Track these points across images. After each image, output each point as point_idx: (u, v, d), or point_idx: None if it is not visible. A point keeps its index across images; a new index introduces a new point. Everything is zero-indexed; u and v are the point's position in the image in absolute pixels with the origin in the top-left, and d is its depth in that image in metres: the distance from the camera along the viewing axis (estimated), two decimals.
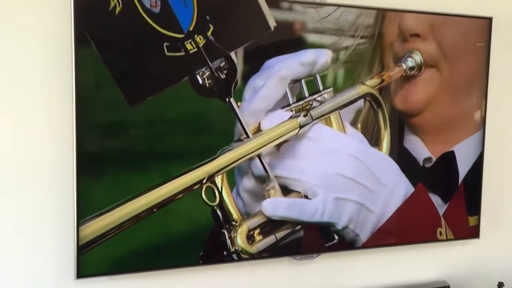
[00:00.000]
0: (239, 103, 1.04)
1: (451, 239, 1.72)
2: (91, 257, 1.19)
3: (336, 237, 1.15)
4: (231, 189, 1.08)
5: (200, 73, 0.99)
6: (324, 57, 1.10)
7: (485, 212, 1.84)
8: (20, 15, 1.25)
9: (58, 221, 1.36)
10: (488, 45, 1.58)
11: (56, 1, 1.22)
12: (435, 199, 1.32)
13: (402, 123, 1.28)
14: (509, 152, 1.95)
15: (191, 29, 0.99)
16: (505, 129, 1.95)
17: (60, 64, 1.25)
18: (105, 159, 1.09)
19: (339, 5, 1.21)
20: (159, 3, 0.96)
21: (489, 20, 1.58)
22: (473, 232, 1.67)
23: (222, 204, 1.05)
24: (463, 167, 1.36)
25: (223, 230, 1.05)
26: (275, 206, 1.08)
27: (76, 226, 1.17)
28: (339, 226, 1.14)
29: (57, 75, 1.27)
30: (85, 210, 1.15)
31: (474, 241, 1.86)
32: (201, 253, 1.12)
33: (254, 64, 1.02)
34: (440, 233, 1.37)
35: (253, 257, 1.24)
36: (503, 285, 1.88)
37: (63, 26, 1.21)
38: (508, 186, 1.95)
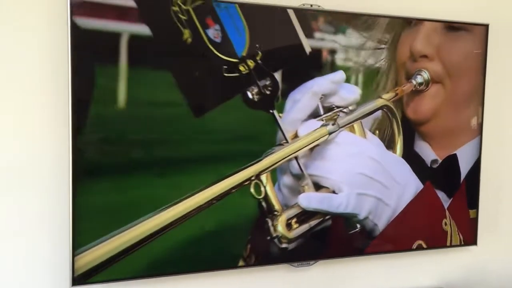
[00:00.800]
0: (280, 114, 1.20)
1: (449, 246, 1.77)
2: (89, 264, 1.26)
3: (358, 226, 1.30)
4: (274, 185, 1.23)
5: (250, 90, 1.17)
6: (340, 75, 1.26)
7: (482, 219, 1.87)
8: (19, 15, 1.29)
9: (53, 227, 1.41)
10: (484, 51, 1.68)
11: (55, 1, 1.28)
12: (441, 195, 1.44)
13: (412, 130, 1.40)
14: (506, 159, 2.03)
15: (244, 54, 1.17)
16: (502, 135, 2.02)
17: (57, 66, 1.29)
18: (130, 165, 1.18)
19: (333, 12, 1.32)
20: (220, 34, 1.14)
21: (486, 27, 1.68)
22: (472, 232, 1.74)
23: (266, 197, 1.20)
24: (464, 167, 1.48)
25: (267, 219, 1.20)
26: (309, 199, 1.24)
27: (72, 234, 1.24)
28: (361, 217, 1.29)
29: (55, 76, 1.31)
30: (81, 215, 1.24)
31: (471, 248, 1.91)
32: (248, 240, 1.26)
33: (292, 82, 1.19)
34: (445, 224, 1.47)
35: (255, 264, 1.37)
36: None
37: (61, 28, 1.26)
38: (505, 193, 2.01)
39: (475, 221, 1.75)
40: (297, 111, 1.21)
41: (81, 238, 1.24)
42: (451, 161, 1.46)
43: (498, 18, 1.88)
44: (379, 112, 1.33)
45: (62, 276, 1.40)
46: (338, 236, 1.34)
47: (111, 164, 1.21)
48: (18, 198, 1.37)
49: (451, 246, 1.76)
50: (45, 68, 1.35)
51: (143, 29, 1.07)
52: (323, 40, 1.28)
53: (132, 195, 1.20)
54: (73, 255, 1.24)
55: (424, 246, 1.54)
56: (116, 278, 1.32)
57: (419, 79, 1.35)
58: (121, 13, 1.15)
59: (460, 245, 1.79)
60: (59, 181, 1.37)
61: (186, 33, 1.07)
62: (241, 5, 1.12)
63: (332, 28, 1.34)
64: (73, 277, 1.24)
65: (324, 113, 1.22)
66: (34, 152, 1.38)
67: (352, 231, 1.31)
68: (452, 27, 1.48)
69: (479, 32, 1.63)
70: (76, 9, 1.19)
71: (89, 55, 1.14)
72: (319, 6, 1.46)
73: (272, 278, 1.60)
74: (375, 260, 1.77)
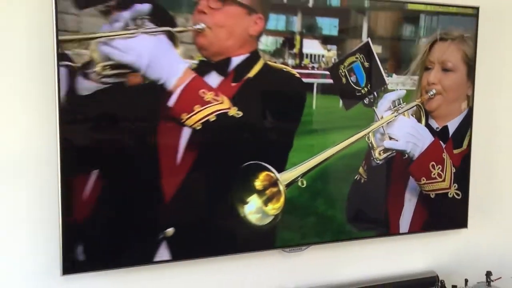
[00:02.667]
0: (375, 108, 2.10)
1: (440, 229, 2.19)
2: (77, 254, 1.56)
3: (406, 155, 2.15)
4: (374, 136, 2.09)
5: (366, 99, 2.07)
6: (404, 92, 2.15)
7: (472, 202, 2.19)
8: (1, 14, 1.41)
9: (44, 218, 1.51)
10: (475, 33, 2.19)
11: (40, 2, 1.43)
12: (441, 143, 2.28)
13: (427, 114, 2.21)
14: (497, 144, 2.37)
15: (363, 84, 2.06)
16: (494, 124, 2.36)
17: (42, 64, 1.46)
18: None
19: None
20: (354, 76, 2.02)
21: (476, 9, 2.16)
22: (462, 218, 2.27)
23: (371, 142, 2.09)
24: (452, 129, 2.27)
25: (371, 151, 2.09)
26: (387, 143, 2.12)
27: (62, 223, 1.51)
28: (407, 152, 2.16)
29: (40, 73, 1.47)
30: (70, 208, 1.53)
31: (462, 230, 2.15)
32: (364, 161, 2.07)
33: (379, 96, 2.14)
34: (444, 155, 2.24)
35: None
36: (491, 274, 2.05)
37: (46, 24, 1.40)
38: (495, 175, 2.32)
39: (465, 204, 2.27)
40: (383, 106, 2.12)
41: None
42: (445, 128, 2.30)
43: (488, 1, 2.13)
44: (415, 107, 2.22)
45: (53, 270, 1.51)
46: (398, 163, 2.19)
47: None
48: (7, 193, 1.49)
49: (442, 229, 2.18)
50: (31, 62, 1.45)
51: (327, 81, 2.00)
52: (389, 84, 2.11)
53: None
54: (63, 244, 1.52)
55: (438, 167, 2.17)
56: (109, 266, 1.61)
57: (431, 93, 2.20)
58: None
59: (451, 228, 2.23)
60: (49, 176, 1.49)
61: (344, 79, 2.02)
62: (362, 64, 2.01)
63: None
64: (63, 266, 1.52)
65: (393, 107, 2.13)
66: (18, 150, 1.48)
67: (404, 157, 2.17)
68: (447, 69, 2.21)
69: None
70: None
71: None
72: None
73: (265, 264, 1.82)
74: (367, 245, 2.03)
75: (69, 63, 1.54)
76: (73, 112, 1.56)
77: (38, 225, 1.48)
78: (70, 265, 1.53)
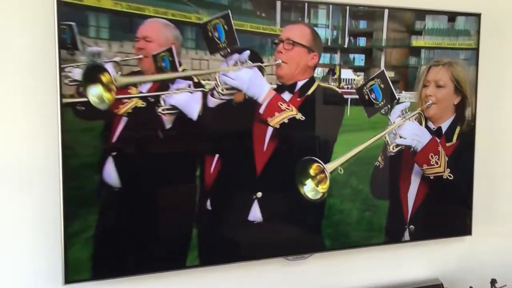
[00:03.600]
0: (389, 116, 2.65)
1: (444, 237, 2.14)
2: (79, 262, 1.67)
3: (412, 149, 2.66)
4: (389, 135, 2.62)
5: (382, 110, 2.64)
6: (409, 103, 2.68)
7: (477, 209, 2.12)
8: (6, 16, 1.34)
9: (46, 227, 1.41)
10: (477, 40, 2.50)
11: (42, 2, 1.36)
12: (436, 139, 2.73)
13: (426, 119, 2.73)
14: (500, 150, 2.37)
15: (380, 100, 2.62)
16: (497, 128, 2.35)
17: (45, 68, 1.38)
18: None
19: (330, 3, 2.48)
20: (374, 94, 2.61)
21: (478, 16, 2.38)
22: (465, 225, 2.43)
23: (387, 141, 2.70)
24: (444, 129, 2.79)
25: (387, 146, 2.71)
26: (398, 140, 2.64)
27: (64, 232, 1.59)
28: (412, 146, 2.65)
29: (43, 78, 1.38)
30: (72, 216, 1.64)
31: (466, 238, 2.03)
32: (381, 151, 2.70)
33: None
34: (439, 148, 2.74)
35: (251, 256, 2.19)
36: (496, 282, 1.96)
37: (48, 29, 1.33)
38: (499, 183, 2.29)
39: (469, 212, 2.41)
40: (395, 114, 2.64)
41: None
42: (439, 128, 2.78)
43: (490, 8, 2.12)
44: (417, 114, 2.72)
45: (54, 279, 1.40)
46: (406, 154, 2.73)
47: None
48: (9, 201, 1.39)
49: (446, 237, 2.18)
50: (33, 68, 1.35)
51: (356, 97, 2.87)
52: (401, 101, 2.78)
53: None
54: (65, 254, 1.60)
55: (436, 156, 2.62)
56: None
57: (428, 103, 2.72)
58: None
59: (455, 235, 2.23)
60: (49, 183, 1.39)
61: (366, 96, 2.63)
62: (379, 85, 2.71)
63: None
64: (65, 276, 1.58)
65: (402, 115, 2.64)
66: (22, 157, 1.38)
67: (411, 150, 2.66)
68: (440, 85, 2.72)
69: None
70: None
71: None
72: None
73: (267, 272, 1.72)
74: (370, 253, 1.90)
75: (203, 89, 2.30)
76: (207, 117, 2.43)
77: (40, 232, 1.43)
78: (73, 273, 1.69)
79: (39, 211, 1.47)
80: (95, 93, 1.89)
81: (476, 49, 2.60)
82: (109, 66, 2.00)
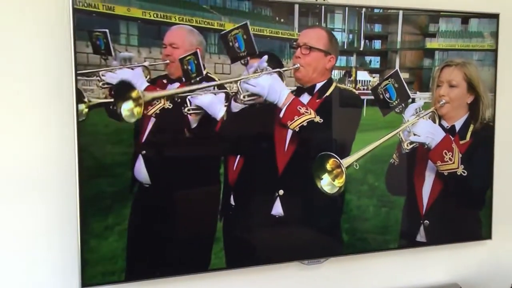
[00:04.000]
0: (403, 115, 2.74)
1: (464, 241, 2.03)
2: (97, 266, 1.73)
3: (426, 146, 2.71)
4: (403, 132, 2.75)
5: (397, 108, 2.69)
6: (422, 103, 2.81)
7: (496, 213, 2.01)
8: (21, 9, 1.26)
9: (63, 231, 1.33)
10: (496, 40, 2.57)
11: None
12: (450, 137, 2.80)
13: (440, 117, 2.80)
14: None
15: (394, 99, 2.67)
16: None
17: (60, 66, 1.34)
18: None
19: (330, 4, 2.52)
20: (388, 93, 2.68)
21: (496, 16, 2.42)
22: (486, 229, 2.45)
23: (401, 138, 2.72)
24: (457, 127, 2.88)
25: (401, 143, 2.74)
26: (413, 138, 2.69)
27: (80, 235, 1.64)
28: (427, 143, 2.71)
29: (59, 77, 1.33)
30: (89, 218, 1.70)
31: (486, 242, 1.96)
32: (397, 147, 2.77)
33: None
34: (453, 146, 2.78)
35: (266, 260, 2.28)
36: None
37: (65, 30, 1.28)
38: None
39: (489, 215, 2.44)
40: (409, 113, 2.68)
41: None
42: (453, 126, 2.86)
43: (509, 8, 2.04)
44: (431, 113, 2.79)
45: (71, 282, 1.32)
46: (420, 151, 2.83)
47: None
48: (27, 205, 1.30)
49: (466, 241, 2.13)
50: (49, 69, 1.31)
51: (371, 97, 3.01)
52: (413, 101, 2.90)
53: None
54: (82, 258, 1.65)
55: (449, 153, 2.71)
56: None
57: (441, 103, 2.79)
58: None
59: (475, 239, 2.19)
60: (66, 186, 1.29)
61: (381, 96, 2.76)
62: (393, 85, 2.86)
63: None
64: (82, 280, 1.63)
65: (416, 113, 2.70)
66: (37, 161, 1.28)
67: (425, 147, 2.71)
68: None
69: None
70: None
71: None
72: (324, 0, 2.15)
73: (283, 276, 1.64)
74: (388, 257, 1.79)
75: (226, 90, 2.42)
76: (231, 122, 2.54)
77: (56, 238, 1.37)
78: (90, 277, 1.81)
79: (57, 215, 1.47)
80: (127, 108, 2.12)
81: (495, 50, 2.67)
82: (138, 70, 2.16)
